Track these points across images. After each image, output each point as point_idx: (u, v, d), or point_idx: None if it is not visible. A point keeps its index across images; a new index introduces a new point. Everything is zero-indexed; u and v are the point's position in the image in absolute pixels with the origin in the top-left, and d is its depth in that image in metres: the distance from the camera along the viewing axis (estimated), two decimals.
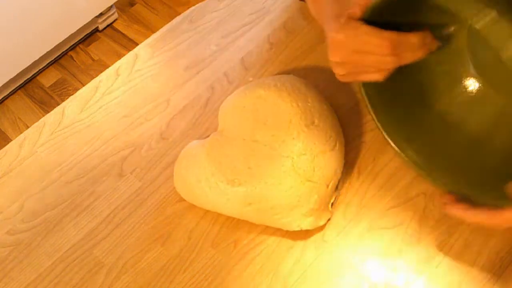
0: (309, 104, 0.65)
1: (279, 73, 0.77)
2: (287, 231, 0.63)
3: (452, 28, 0.60)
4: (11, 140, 0.75)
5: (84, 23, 1.82)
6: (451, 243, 0.61)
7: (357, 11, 0.53)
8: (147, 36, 0.84)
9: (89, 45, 1.90)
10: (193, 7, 0.86)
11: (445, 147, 0.62)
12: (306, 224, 0.62)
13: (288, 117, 0.63)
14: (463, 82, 0.63)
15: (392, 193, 0.65)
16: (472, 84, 0.63)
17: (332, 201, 0.64)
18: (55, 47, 1.78)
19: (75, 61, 1.87)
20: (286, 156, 0.61)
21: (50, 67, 1.85)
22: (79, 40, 1.89)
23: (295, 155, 0.61)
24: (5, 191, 0.70)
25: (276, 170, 0.60)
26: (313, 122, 0.63)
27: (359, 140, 0.69)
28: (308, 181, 0.61)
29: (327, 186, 0.62)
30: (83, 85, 0.79)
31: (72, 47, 1.88)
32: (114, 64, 0.80)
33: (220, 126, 0.67)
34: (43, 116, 0.76)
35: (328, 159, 0.62)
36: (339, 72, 0.58)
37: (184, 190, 0.65)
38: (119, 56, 0.82)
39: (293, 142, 0.61)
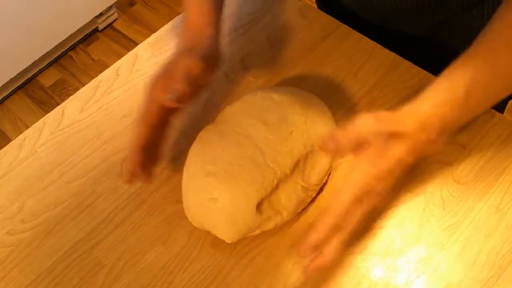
0: (315, 127, 0.62)
1: (278, 73, 0.76)
2: (287, 231, 0.63)
3: None
4: (11, 140, 0.75)
5: (84, 23, 1.82)
6: (451, 243, 0.61)
7: None
8: (147, 36, 0.84)
9: (89, 45, 1.90)
10: None
11: None
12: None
13: (290, 128, 0.60)
14: None
15: (392, 193, 0.65)
16: None
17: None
18: (55, 47, 1.78)
19: (75, 61, 1.87)
20: (271, 168, 0.58)
21: (50, 67, 1.85)
22: (79, 40, 1.89)
23: (279, 170, 0.58)
24: (5, 191, 0.70)
25: (256, 179, 0.57)
26: (312, 147, 0.60)
27: None
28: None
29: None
30: (83, 85, 0.79)
31: (72, 47, 1.88)
32: (114, 64, 0.80)
33: (218, 118, 0.66)
34: (43, 116, 0.76)
35: (309, 194, 0.61)
36: None
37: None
38: (119, 56, 0.82)
39: (284, 156, 0.58)
